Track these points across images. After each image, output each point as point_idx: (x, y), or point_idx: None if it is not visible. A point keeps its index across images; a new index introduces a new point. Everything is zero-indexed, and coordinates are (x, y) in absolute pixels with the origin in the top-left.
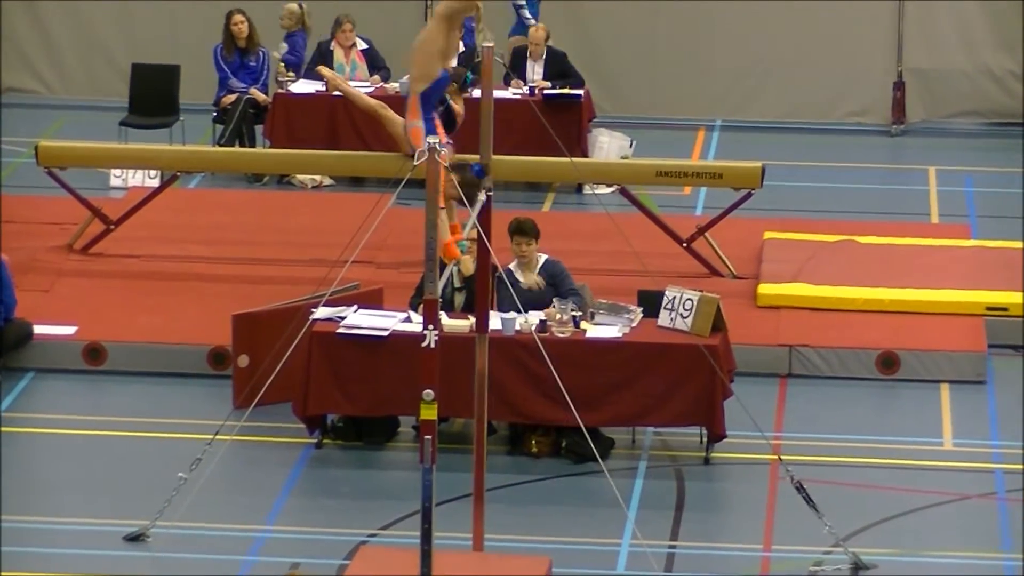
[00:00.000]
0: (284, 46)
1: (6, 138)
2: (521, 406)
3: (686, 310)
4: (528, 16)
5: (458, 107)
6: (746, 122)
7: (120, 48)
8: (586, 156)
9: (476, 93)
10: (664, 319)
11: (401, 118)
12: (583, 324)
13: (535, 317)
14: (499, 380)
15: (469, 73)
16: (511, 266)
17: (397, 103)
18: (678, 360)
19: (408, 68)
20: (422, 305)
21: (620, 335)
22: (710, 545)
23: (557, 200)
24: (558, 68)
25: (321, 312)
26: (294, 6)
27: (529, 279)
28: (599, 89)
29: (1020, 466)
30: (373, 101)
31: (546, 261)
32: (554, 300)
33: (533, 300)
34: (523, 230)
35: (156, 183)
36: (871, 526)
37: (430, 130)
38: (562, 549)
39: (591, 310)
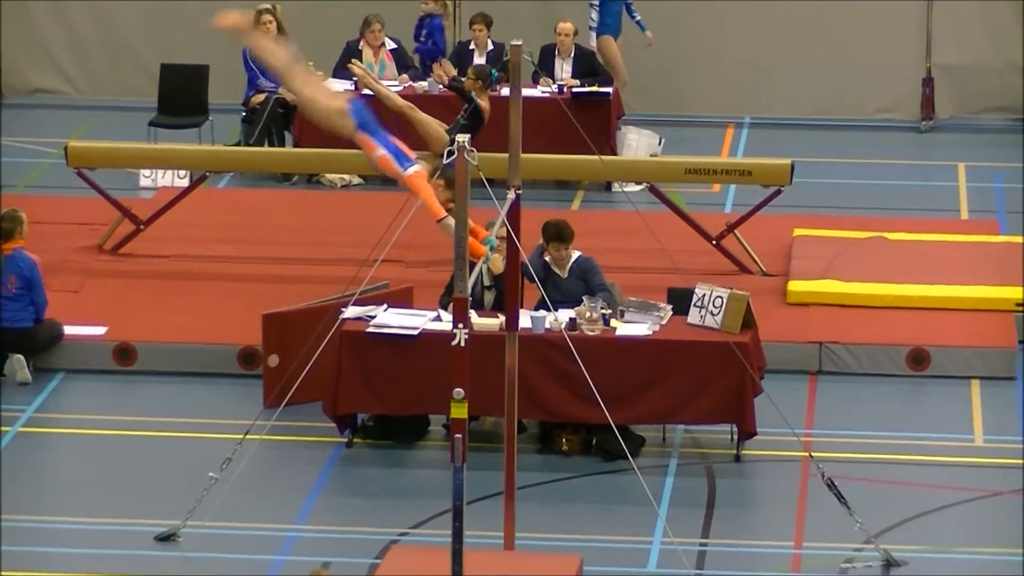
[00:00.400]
0: None
1: (36, 139)
2: (551, 404)
3: (716, 307)
4: (594, 18)
5: (484, 104)
6: (775, 119)
7: (148, 48)
8: (615, 154)
9: (504, 91)
10: (694, 316)
11: (431, 118)
12: (613, 322)
13: (565, 315)
14: (529, 378)
15: (494, 70)
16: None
17: (426, 102)
18: (708, 357)
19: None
20: (452, 304)
21: (650, 333)
22: (741, 542)
23: (586, 198)
24: (587, 66)
25: (351, 311)
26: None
27: (563, 272)
28: (628, 87)
29: None
30: (403, 101)
31: (578, 258)
32: (584, 298)
33: (566, 294)
34: (562, 236)
35: (185, 183)
36: (902, 523)
37: (396, 150)
38: (593, 547)
39: (621, 308)
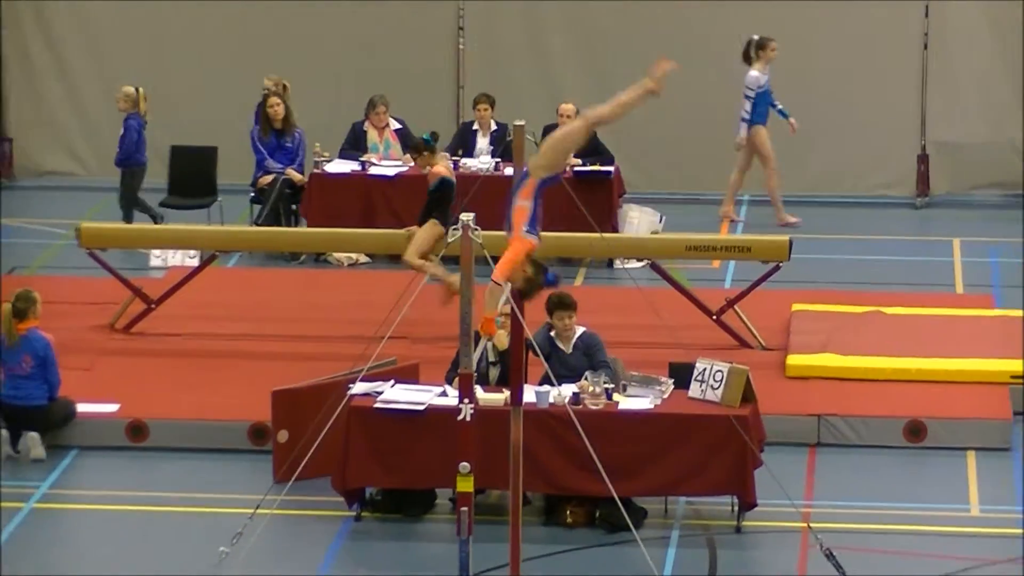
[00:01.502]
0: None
1: (48, 220)
2: (556, 477)
3: (716, 381)
4: (748, 109)
5: (439, 169)
6: None
7: (158, 130)
8: (617, 231)
9: (508, 170)
10: (695, 390)
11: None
12: (616, 396)
13: (568, 390)
14: (534, 452)
15: (425, 135)
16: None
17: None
18: (709, 431)
19: (540, 153)
20: (457, 379)
21: (652, 407)
22: None
23: (589, 275)
24: (589, 145)
25: (359, 387)
26: (130, 89)
27: (567, 347)
28: (629, 166)
29: None
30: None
31: (583, 333)
32: (587, 373)
33: (571, 372)
34: (565, 304)
35: (195, 263)
36: None
37: (535, 215)
38: None
39: (623, 382)
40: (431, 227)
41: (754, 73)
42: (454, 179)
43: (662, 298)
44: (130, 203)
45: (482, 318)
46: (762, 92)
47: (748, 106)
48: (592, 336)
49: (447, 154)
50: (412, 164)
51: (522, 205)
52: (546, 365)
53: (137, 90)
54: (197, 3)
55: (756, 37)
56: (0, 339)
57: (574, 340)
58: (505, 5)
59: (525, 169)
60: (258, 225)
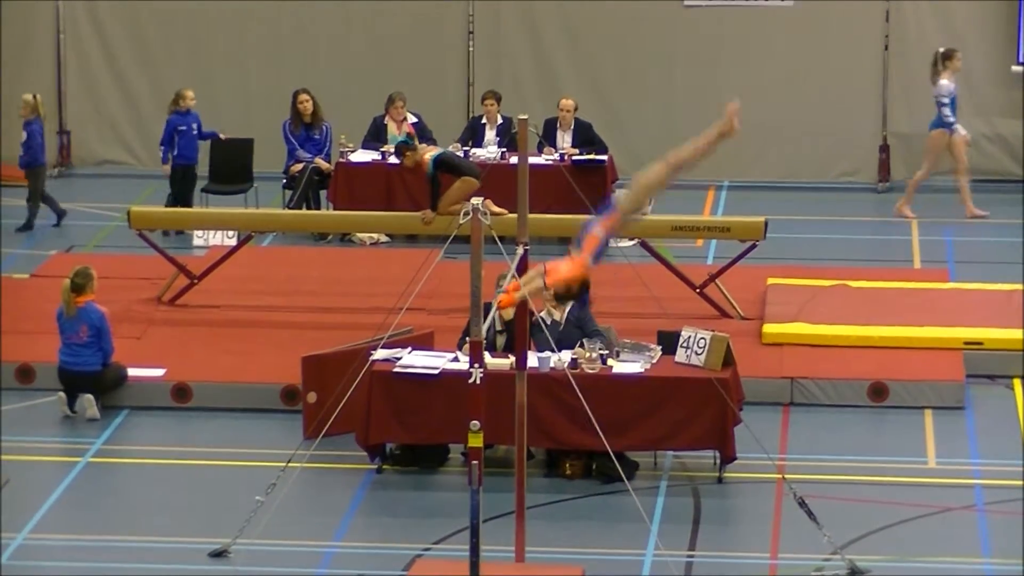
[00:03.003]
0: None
1: (102, 204)
2: (556, 434)
3: (700, 348)
4: (948, 114)
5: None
6: (750, 182)
7: (204, 124)
8: None
9: (513, 160)
10: (680, 356)
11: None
12: (609, 361)
13: (567, 356)
14: (537, 411)
15: (405, 137)
16: (542, 314)
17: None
18: (693, 392)
19: (635, 194)
20: (468, 346)
21: (642, 371)
22: (724, 554)
23: None
24: (585, 137)
25: (380, 353)
26: (29, 96)
27: (559, 316)
28: (621, 155)
29: (996, 481)
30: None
31: (573, 306)
32: (584, 340)
33: (563, 339)
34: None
35: (234, 242)
36: (865, 536)
37: (602, 249)
38: (593, 559)
39: (616, 349)
40: (463, 182)
41: (944, 82)
42: (442, 150)
43: (651, 273)
44: (37, 202)
45: (507, 296)
46: (952, 99)
47: (947, 111)
48: (582, 309)
49: (427, 144)
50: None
51: (597, 234)
52: (548, 334)
53: (35, 97)
54: (235, 8)
55: (941, 50)
56: (60, 311)
57: (565, 315)
58: (511, 10)
59: (612, 200)
60: (289, 208)
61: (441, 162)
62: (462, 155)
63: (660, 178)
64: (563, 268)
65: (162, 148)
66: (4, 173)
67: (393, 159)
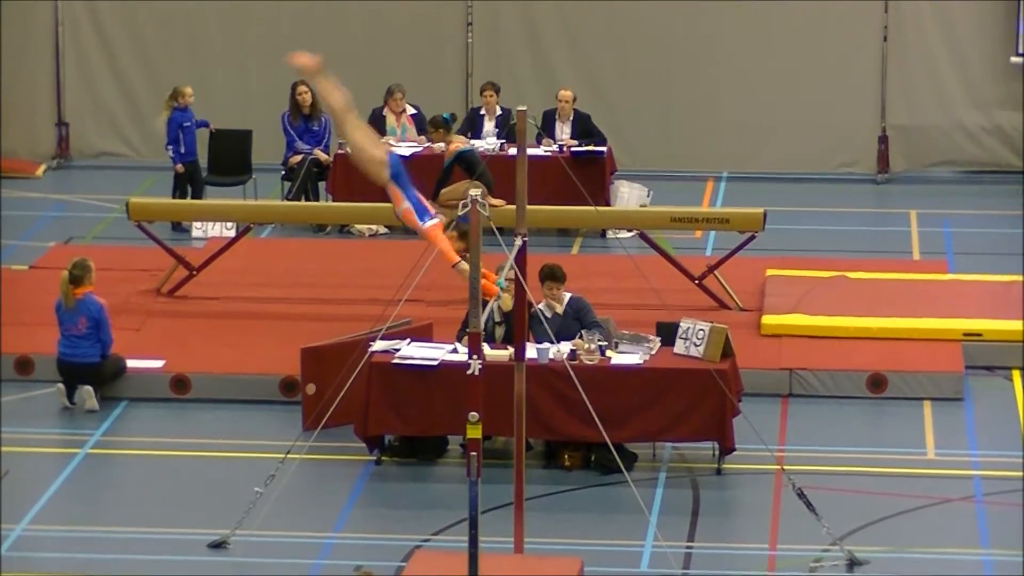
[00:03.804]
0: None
1: (101, 196)
2: (555, 425)
3: (699, 339)
4: None
5: (455, 146)
6: (749, 173)
7: (201, 116)
8: (609, 205)
9: (512, 151)
10: (679, 347)
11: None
12: (608, 352)
13: (566, 347)
14: (535, 403)
15: (444, 115)
16: (541, 306)
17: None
18: (692, 383)
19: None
20: (467, 337)
21: (641, 362)
22: (722, 545)
23: (584, 244)
24: (584, 128)
25: (378, 345)
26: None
27: (559, 312)
28: (620, 146)
29: (995, 472)
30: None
31: (571, 298)
32: (582, 332)
33: (562, 331)
34: (555, 276)
35: (232, 234)
36: (864, 527)
37: (413, 201)
38: (592, 551)
39: (615, 340)
40: (472, 185)
41: None
42: (472, 147)
43: (650, 265)
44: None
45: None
46: None
47: None
48: (580, 300)
49: (463, 136)
50: (427, 145)
51: (404, 208)
52: (547, 325)
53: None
54: (232, 3)
55: None
56: (58, 303)
57: (564, 306)
58: (509, 4)
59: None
60: (288, 200)
61: (463, 158)
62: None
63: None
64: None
65: (170, 148)
66: (4, 166)
67: (393, 150)
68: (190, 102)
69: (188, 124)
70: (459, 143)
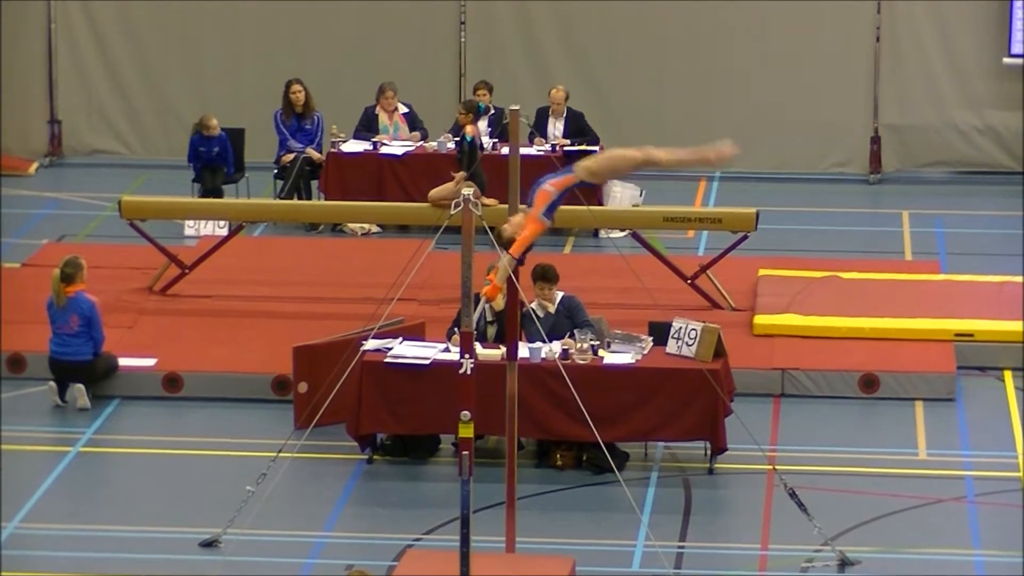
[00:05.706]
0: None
1: (93, 194)
2: (547, 424)
3: (691, 339)
4: None
5: (472, 130)
6: (742, 173)
7: (194, 113)
8: (601, 204)
9: (504, 151)
10: (671, 347)
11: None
12: (600, 352)
13: (558, 346)
14: (527, 402)
15: (480, 104)
16: (533, 305)
17: (437, 160)
18: (684, 383)
19: (597, 159)
20: (459, 336)
21: (633, 361)
22: (714, 545)
23: (576, 243)
24: (576, 127)
25: (371, 344)
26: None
27: (549, 309)
28: (613, 144)
29: (987, 472)
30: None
31: (563, 297)
32: (575, 331)
33: (554, 330)
34: (547, 276)
35: (225, 232)
36: (856, 527)
37: (555, 204)
38: (584, 550)
39: (607, 340)
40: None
41: None
42: (478, 141)
43: (642, 264)
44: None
45: (491, 286)
46: None
47: None
48: (572, 299)
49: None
50: (418, 143)
51: (548, 190)
52: (539, 324)
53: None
54: (225, 1)
55: None
56: (50, 301)
57: (556, 305)
58: (502, 2)
59: (572, 166)
60: (281, 198)
61: (472, 146)
62: (453, 146)
63: (627, 161)
64: (522, 236)
65: (191, 165)
66: (4, 164)
67: (385, 149)
68: (214, 134)
69: (204, 150)
70: (474, 131)
